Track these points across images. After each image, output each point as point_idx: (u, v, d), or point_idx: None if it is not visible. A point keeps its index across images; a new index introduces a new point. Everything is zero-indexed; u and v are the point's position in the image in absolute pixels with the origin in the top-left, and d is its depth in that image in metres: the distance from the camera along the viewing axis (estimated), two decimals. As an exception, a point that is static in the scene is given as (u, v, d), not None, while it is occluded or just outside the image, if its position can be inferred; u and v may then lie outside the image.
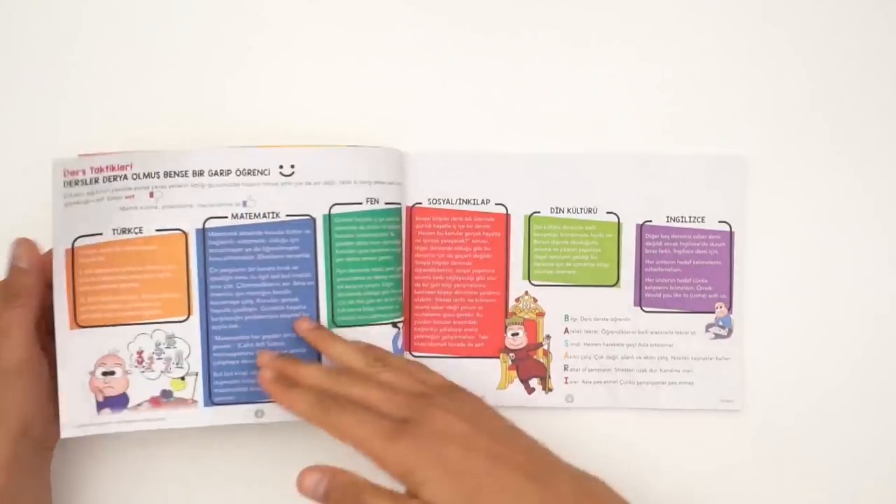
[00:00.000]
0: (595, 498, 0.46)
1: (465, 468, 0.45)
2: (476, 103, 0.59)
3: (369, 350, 0.53)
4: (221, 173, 0.53)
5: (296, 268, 0.54)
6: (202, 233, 0.54)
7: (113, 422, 0.53)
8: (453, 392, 0.51)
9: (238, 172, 0.53)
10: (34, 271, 0.52)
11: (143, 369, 0.54)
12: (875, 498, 0.58)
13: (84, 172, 0.52)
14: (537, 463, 0.47)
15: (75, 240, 0.52)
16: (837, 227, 0.56)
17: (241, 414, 0.55)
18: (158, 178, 0.53)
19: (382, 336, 0.55)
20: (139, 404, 0.54)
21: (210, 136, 0.57)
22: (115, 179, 0.53)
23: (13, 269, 0.52)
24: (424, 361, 0.56)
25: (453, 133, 0.59)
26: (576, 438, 0.58)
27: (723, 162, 0.58)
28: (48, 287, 0.52)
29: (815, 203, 0.58)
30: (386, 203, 0.55)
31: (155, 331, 0.53)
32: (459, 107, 0.59)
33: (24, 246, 0.53)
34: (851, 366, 0.58)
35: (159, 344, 0.54)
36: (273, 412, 0.55)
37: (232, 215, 0.54)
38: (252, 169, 0.54)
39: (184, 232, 0.54)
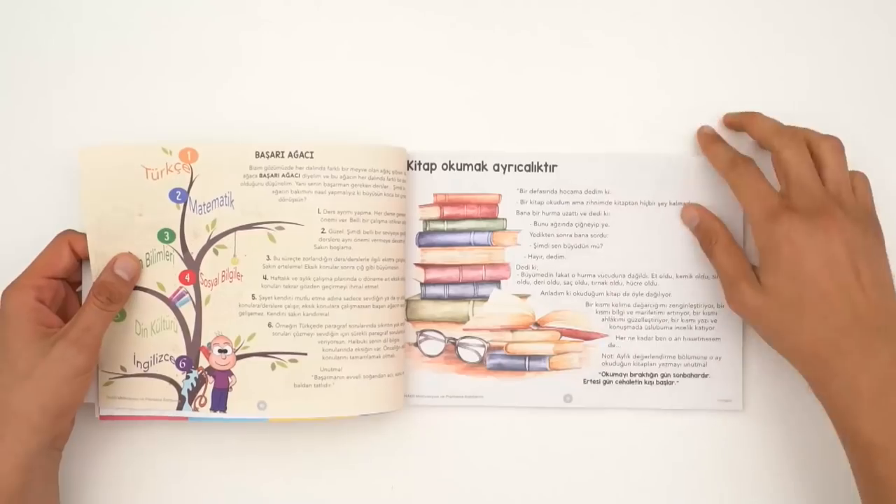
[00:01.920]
0: None
1: (814, 280, 0.49)
2: (476, 103, 0.59)
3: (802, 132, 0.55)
4: None
5: None
6: None
7: None
8: (864, 218, 0.52)
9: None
10: (131, 283, 0.55)
11: None
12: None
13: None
14: (876, 312, 0.49)
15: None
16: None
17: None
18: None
19: None
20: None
21: (210, 135, 0.58)
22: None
23: (117, 277, 0.54)
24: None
25: (454, 133, 0.59)
26: (575, 437, 0.58)
27: None
28: None
29: None
30: None
31: None
32: (459, 106, 0.59)
33: (127, 259, 0.55)
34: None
35: None
36: (275, 408, 0.55)
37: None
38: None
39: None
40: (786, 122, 0.55)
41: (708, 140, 0.56)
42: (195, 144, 0.56)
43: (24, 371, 0.50)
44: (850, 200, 0.52)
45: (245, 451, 0.58)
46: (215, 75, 0.59)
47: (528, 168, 0.58)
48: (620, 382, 0.58)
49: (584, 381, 0.58)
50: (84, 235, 0.55)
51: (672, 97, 0.59)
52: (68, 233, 0.55)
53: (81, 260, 0.55)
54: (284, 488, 0.58)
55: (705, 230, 0.56)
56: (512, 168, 0.58)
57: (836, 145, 0.53)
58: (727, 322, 0.58)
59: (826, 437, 0.57)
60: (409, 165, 0.58)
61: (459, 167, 0.58)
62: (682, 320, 0.58)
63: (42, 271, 0.53)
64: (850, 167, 0.54)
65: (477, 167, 0.58)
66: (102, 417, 0.56)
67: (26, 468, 0.50)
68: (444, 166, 0.58)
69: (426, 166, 0.58)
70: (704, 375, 0.57)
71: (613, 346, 0.58)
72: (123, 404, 0.56)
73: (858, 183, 0.53)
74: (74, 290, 0.56)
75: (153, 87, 0.59)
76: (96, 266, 0.55)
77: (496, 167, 0.58)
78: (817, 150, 0.53)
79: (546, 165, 0.58)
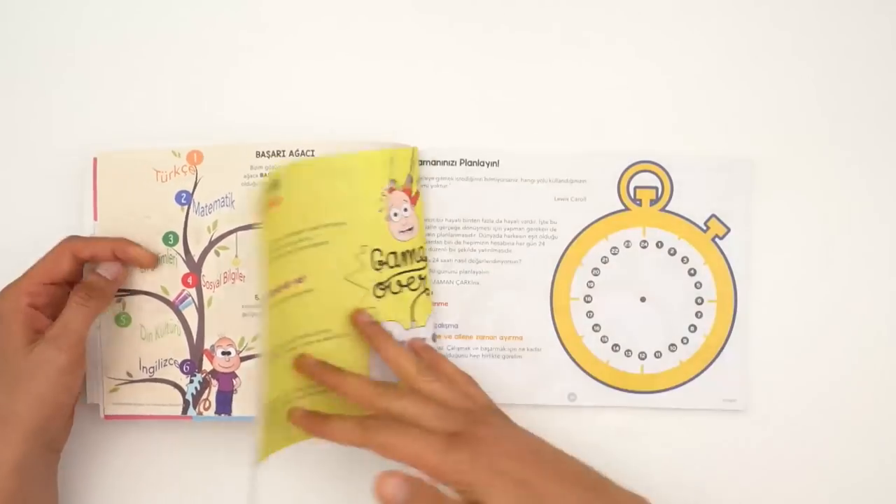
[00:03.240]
0: None
1: (525, 478, 0.45)
2: (476, 103, 0.59)
3: (424, 353, 0.55)
4: None
5: None
6: None
7: None
8: (496, 411, 0.52)
9: None
10: (114, 283, 0.55)
11: None
12: (877, 498, 0.58)
13: None
14: (590, 476, 0.48)
15: None
16: (841, 229, 0.55)
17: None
18: None
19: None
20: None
21: (212, 135, 0.57)
22: None
23: (98, 276, 0.54)
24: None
25: (454, 132, 0.58)
26: (577, 436, 0.57)
27: (729, 164, 0.57)
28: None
29: (818, 205, 0.57)
30: None
31: None
32: (460, 106, 0.59)
33: (112, 263, 0.55)
34: (854, 366, 0.58)
35: None
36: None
37: None
38: None
39: None
40: (792, 124, 0.56)
41: (312, 420, 0.51)
42: (200, 146, 0.55)
43: (13, 374, 0.50)
44: (480, 406, 0.51)
45: (248, 450, 0.58)
46: (217, 75, 0.59)
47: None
48: (621, 382, 0.58)
49: (589, 380, 0.58)
50: (87, 239, 0.55)
51: (675, 97, 0.59)
52: (71, 239, 0.54)
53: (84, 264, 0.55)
54: (286, 486, 0.58)
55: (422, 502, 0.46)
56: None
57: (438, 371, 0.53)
58: (728, 322, 0.58)
59: (828, 437, 0.57)
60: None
61: (452, 163, 0.58)
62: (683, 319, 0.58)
63: (39, 277, 0.53)
64: (856, 169, 0.54)
65: (469, 164, 0.58)
66: (107, 417, 0.56)
67: (21, 471, 0.50)
68: (445, 164, 0.58)
69: (432, 163, 0.58)
70: (708, 376, 0.58)
71: (618, 345, 0.58)
72: (129, 409, 0.56)
73: (471, 389, 0.53)
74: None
75: (155, 87, 0.59)
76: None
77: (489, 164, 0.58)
78: (427, 387, 0.51)
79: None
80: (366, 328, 0.54)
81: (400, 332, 0.56)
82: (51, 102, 0.59)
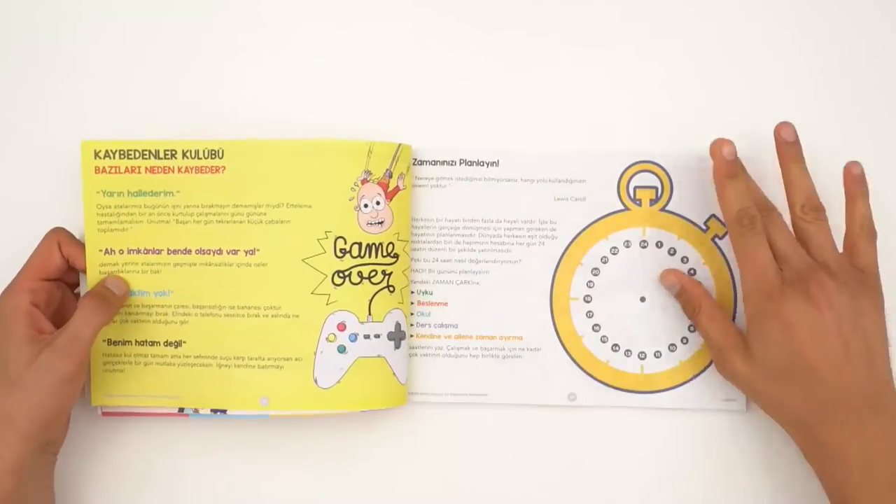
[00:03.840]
0: (885, 462, 0.49)
1: (802, 354, 0.50)
2: (477, 102, 0.59)
3: (812, 197, 0.54)
4: None
5: None
6: None
7: None
8: (855, 281, 0.52)
9: None
10: (122, 298, 0.55)
11: None
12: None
13: None
14: (865, 389, 0.50)
15: None
16: (841, 229, 0.55)
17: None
18: None
19: None
20: None
21: (212, 134, 0.57)
22: None
23: (108, 290, 0.54)
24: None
25: (454, 132, 0.59)
26: (578, 436, 0.58)
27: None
28: None
29: (820, 187, 0.56)
30: None
31: None
32: (460, 107, 0.59)
33: (117, 280, 0.55)
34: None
35: None
36: (276, 402, 0.55)
37: None
38: None
39: None
40: (787, 117, 0.55)
41: (725, 173, 0.54)
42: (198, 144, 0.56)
43: (13, 377, 0.50)
44: (840, 266, 0.52)
45: (246, 448, 0.58)
46: (216, 74, 0.59)
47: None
48: (621, 382, 0.58)
49: (589, 380, 0.58)
50: (71, 236, 0.55)
51: (675, 97, 0.59)
52: (57, 231, 0.55)
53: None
54: (285, 484, 0.58)
55: (687, 298, 0.56)
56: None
57: (819, 216, 0.53)
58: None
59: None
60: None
61: (451, 163, 0.58)
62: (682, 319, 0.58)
63: (35, 273, 0.53)
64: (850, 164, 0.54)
65: (468, 163, 0.58)
66: (104, 414, 0.56)
67: (17, 473, 0.50)
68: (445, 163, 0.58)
69: (431, 163, 0.58)
70: (708, 376, 0.57)
71: (617, 345, 0.58)
72: (126, 406, 0.56)
73: (862, 245, 0.53)
74: (72, 291, 0.56)
75: (153, 85, 0.59)
76: (92, 262, 0.55)
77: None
78: (800, 223, 0.54)
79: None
80: (784, 146, 0.54)
81: (354, 324, 0.55)
82: (49, 99, 0.59)
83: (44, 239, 0.54)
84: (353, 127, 0.57)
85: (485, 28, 0.59)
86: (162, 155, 0.55)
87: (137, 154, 0.55)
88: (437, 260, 0.58)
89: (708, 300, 0.56)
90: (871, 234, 0.54)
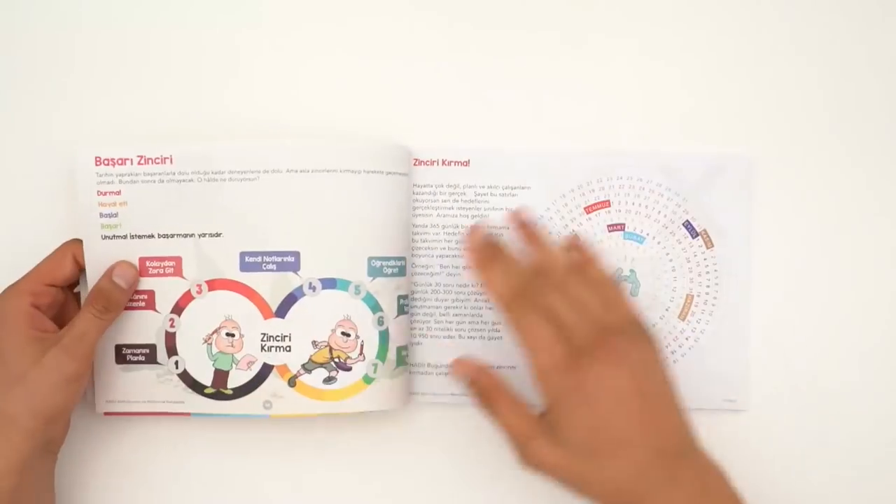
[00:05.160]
0: (711, 498, 0.48)
1: (609, 424, 0.47)
2: (477, 103, 0.59)
3: (577, 249, 0.53)
4: None
5: None
6: None
7: None
8: (635, 331, 0.50)
9: None
10: (129, 291, 0.54)
11: None
12: (877, 497, 0.58)
13: None
14: (674, 439, 0.48)
15: None
16: (843, 228, 0.55)
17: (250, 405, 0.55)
18: None
19: None
20: None
21: (211, 133, 0.58)
22: None
23: (115, 285, 0.54)
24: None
25: (456, 132, 0.59)
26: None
27: (729, 161, 0.58)
28: None
29: (820, 203, 0.57)
30: None
31: None
32: (461, 106, 0.59)
33: (125, 266, 0.54)
34: (856, 366, 0.58)
35: None
36: (281, 405, 0.55)
37: None
38: None
39: None
40: (793, 121, 0.56)
41: (477, 264, 0.51)
42: (201, 146, 0.56)
43: (16, 376, 0.50)
44: (618, 321, 0.50)
45: (247, 447, 0.58)
46: (217, 76, 0.59)
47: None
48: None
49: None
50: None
51: (673, 96, 0.59)
52: (74, 243, 0.55)
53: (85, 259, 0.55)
54: (286, 484, 0.58)
55: (479, 389, 0.51)
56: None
57: (580, 278, 0.51)
58: (730, 322, 0.58)
59: (829, 437, 0.57)
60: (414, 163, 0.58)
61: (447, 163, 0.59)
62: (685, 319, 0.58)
63: (42, 278, 0.53)
64: (857, 167, 0.54)
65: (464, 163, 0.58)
66: (106, 413, 0.56)
67: (19, 471, 0.50)
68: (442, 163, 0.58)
69: (429, 163, 0.58)
70: (708, 376, 0.58)
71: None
72: (127, 406, 0.56)
73: (612, 296, 0.51)
74: (73, 292, 0.56)
75: (155, 88, 0.59)
76: (92, 269, 0.55)
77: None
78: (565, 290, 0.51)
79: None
80: (521, 226, 0.54)
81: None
82: (51, 102, 0.59)
83: (59, 248, 0.55)
84: (352, 126, 0.58)
85: (486, 27, 0.59)
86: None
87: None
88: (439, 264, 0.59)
89: (504, 390, 0.51)
90: (620, 285, 0.54)
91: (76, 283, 0.56)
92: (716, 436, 0.57)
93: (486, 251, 0.51)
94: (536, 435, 0.48)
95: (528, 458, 0.49)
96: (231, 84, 0.59)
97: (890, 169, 0.58)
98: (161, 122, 0.58)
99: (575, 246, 0.54)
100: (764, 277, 0.58)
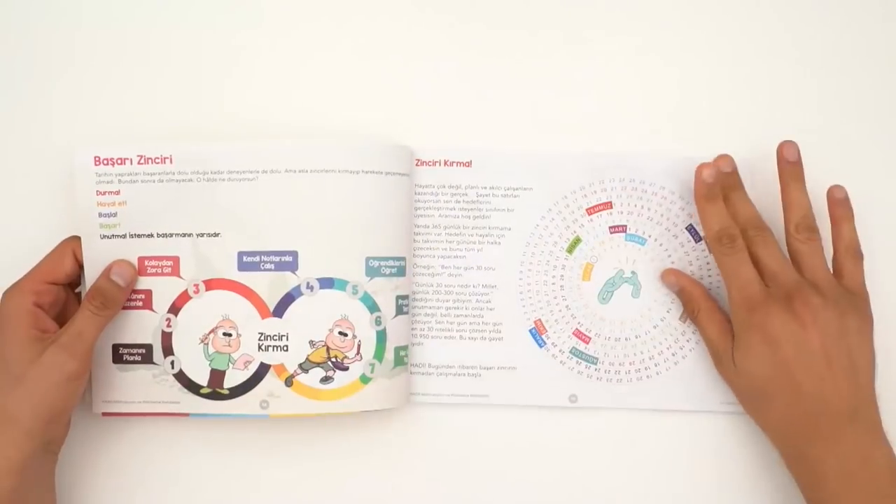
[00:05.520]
0: (868, 468, 0.50)
1: (784, 369, 0.51)
2: (479, 104, 0.59)
3: (835, 208, 0.55)
4: None
5: None
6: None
7: None
8: (839, 297, 0.52)
9: None
10: (127, 289, 0.54)
11: None
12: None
13: None
14: (844, 403, 0.51)
15: None
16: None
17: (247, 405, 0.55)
18: None
19: None
20: None
21: (212, 133, 0.58)
22: None
23: (112, 283, 0.54)
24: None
25: (457, 133, 0.59)
26: (578, 437, 0.58)
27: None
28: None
29: (819, 203, 0.56)
30: None
31: None
32: (463, 107, 0.59)
33: (123, 265, 0.54)
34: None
35: None
36: (278, 405, 0.55)
37: None
38: None
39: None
40: (790, 124, 0.57)
41: (703, 196, 0.55)
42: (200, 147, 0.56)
43: (17, 375, 0.50)
44: (829, 285, 0.53)
45: (246, 447, 0.58)
46: (216, 75, 0.59)
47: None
48: (619, 381, 0.58)
49: (589, 382, 0.58)
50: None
51: (673, 97, 0.59)
52: (73, 240, 0.55)
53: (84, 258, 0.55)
54: (286, 484, 0.58)
55: (687, 298, 0.57)
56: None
57: (812, 236, 0.54)
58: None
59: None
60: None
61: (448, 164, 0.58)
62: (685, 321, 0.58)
63: (43, 276, 0.53)
64: (853, 169, 0.55)
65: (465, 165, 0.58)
66: (105, 414, 0.56)
67: (19, 471, 0.50)
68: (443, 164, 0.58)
69: (431, 164, 0.58)
70: (708, 377, 0.57)
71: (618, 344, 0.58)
72: (125, 406, 0.56)
73: (849, 266, 0.54)
74: (74, 292, 0.56)
75: (153, 87, 0.59)
76: (90, 269, 0.55)
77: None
78: (793, 242, 0.54)
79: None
80: (785, 165, 0.55)
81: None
82: (50, 101, 0.59)
83: (59, 245, 0.55)
84: (352, 127, 0.58)
85: (486, 27, 0.59)
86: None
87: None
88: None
89: (707, 302, 0.56)
90: (858, 256, 0.55)
91: (78, 283, 0.56)
92: (715, 437, 0.58)
93: (714, 188, 0.54)
94: (724, 351, 0.54)
95: (719, 368, 0.56)
96: (230, 84, 0.59)
97: (890, 170, 0.58)
98: (160, 122, 0.58)
99: (836, 202, 0.55)
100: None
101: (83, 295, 0.55)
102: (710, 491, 0.58)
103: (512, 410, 0.58)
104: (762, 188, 0.57)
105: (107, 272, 0.54)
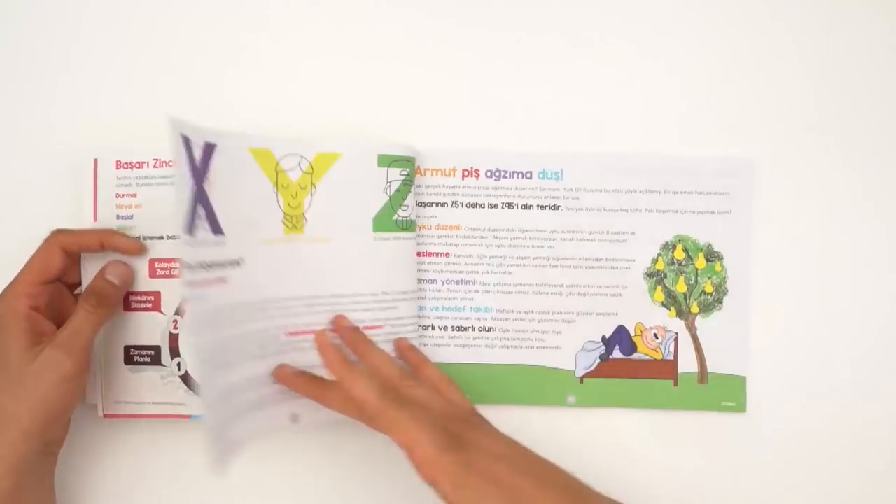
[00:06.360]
0: None
1: (516, 485, 0.46)
2: (480, 103, 0.60)
3: (408, 354, 0.55)
4: None
5: None
6: None
7: None
8: (479, 417, 0.52)
9: None
10: (122, 288, 0.55)
11: None
12: (876, 498, 0.58)
13: None
14: (575, 483, 0.49)
15: None
16: (842, 230, 0.56)
17: (275, 419, 0.54)
18: None
19: None
20: None
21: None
22: None
23: (107, 282, 0.54)
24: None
25: (458, 132, 0.59)
26: (579, 437, 0.58)
27: (730, 165, 0.58)
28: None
29: (819, 206, 0.58)
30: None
31: None
32: (463, 106, 0.60)
33: (118, 265, 0.55)
34: (854, 367, 0.58)
35: None
36: (310, 416, 0.55)
37: None
38: None
39: None
40: (792, 124, 0.58)
41: (344, 366, 0.52)
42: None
43: (16, 377, 0.50)
44: (464, 416, 0.51)
45: (246, 450, 0.57)
46: (217, 75, 0.59)
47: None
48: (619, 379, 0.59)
49: (589, 382, 0.59)
50: (74, 232, 0.54)
51: (674, 98, 0.60)
52: (58, 234, 0.54)
53: (81, 257, 0.55)
54: (287, 484, 0.58)
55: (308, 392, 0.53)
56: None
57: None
58: (730, 325, 0.59)
59: (828, 438, 0.58)
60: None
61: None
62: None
63: (34, 277, 0.53)
64: (856, 169, 0.55)
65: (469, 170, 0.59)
66: (107, 416, 0.56)
67: (18, 472, 0.50)
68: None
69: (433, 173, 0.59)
70: (708, 378, 0.58)
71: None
72: (128, 408, 0.56)
73: (450, 392, 0.53)
74: (72, 292, 0.56)
75: (155, 88, 0.59)
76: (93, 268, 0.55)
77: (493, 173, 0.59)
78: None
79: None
80: (346, 333, 0.55)
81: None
82: (51, 102, 0.59)
83: (44, 242, 0.54)
84: (355, 129, 0.58)
85: (488, 27, 0.60)
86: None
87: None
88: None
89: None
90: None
91: (77, 285, 0.56)
92: (715, 437, 0.58)
93: (345, 361, 0.52)
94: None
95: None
96: (231, 84, 0.59)
97: (889, 172, 0.59)
98: (160, 122, 0.57)
99: (407, 349, 0.56)
100: (764, 280, 0.59)
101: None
102: (710, 490, 0.58)
103: (511, 410, 0.58)
104: (764, 191, 0.58)
105: (102, 272, 0.54)
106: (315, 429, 0.56)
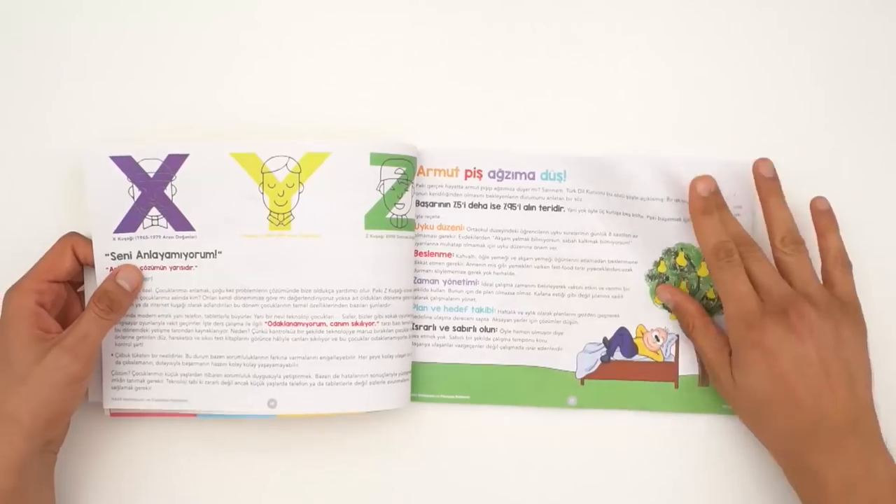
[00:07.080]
0: (872, 479, 0.50)
1: (783, 383, 0.52)
2: (480, 103, 0.60)
3: (818, 217, 0.56)
4: None
5: None
6: None
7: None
8: (834, 308, 0.53)
9: None
10: (133, 294, 0.55)
11: None
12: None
13: None
14: (843, 414, 0.51)
15: None
16: (844, 234, 0.56)
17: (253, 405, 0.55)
18: None
19: None
20: None
21: (210, 136, 0.58)
22: None
23: (119, 287, 0.54)
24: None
25: (459, 132, 0.60)
26: (579, 439, 0.59)
27: (730, 166, 0.58)
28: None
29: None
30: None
31: None
32: (465, 106, 0.60)
33: (130, 270, 0.55)
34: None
35: None
36: (287, 404, 0.55)
37: None
38: None
39: None
40: (795, 127, 0.58)
41: (700, 209, 0.56)
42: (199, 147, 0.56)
43: (19, 375, 0.50)
44: (821, 296, 0.53)
45: (249, 447, 0.58)
46: (215, 75, 0.59)
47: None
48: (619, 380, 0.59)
49: (588, 383, 0.59)
50: (87, 240, 0.55)
51: (675, 99, 0.60)
52: (72, 236, 0.55)
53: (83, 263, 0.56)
54: (288, 484, 0.58)
55: (681, 314, 0.58)
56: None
57: (798, 248, 0.55)
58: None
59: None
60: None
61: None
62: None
63: (44, 275, 0.53)
64: (859, 171, 0.55)
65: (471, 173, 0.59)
66: (112, 414, 0.56)
67: (18, 471, 0.50)
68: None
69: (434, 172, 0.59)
70: (706, 378, 0.58)
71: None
72: (133, 405, 0.56)
73: (838, 275, 0.55)
74: (76, 291, 0.56)
75: (152, 87, 0.59)
76: (100, 269, 0.55)
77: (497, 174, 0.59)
78: (780, 256, 0.55)
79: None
80: (763, 182, 0.56)
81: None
82: (49, 102, 0.59)
83: (58, 242, 0.55)
84: (355, 128, 0.59)
85: (488, 27, 0.60)
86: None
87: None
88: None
89: (702, 318, 0.57)
90: (847, 265, 0.55)
91: (80, 283, 0.56)
92: (715, 437, 0.58)
93: (710, 201, 0.56)
94: (720, 366, 0.55)
95: (716, 384, 0.56)
96: (231, 84, 0.59)
97: (893, 172, 0.59)
98: (161, 123, 0.59)
99: (818, 212, 0.56)
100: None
101: (87, 294, 0.55)
102: (710, 491, 0.58)
103: (512, 410, 0.59)
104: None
105: (113, 276, 0.54)
106: (292, 417, 0.56)
